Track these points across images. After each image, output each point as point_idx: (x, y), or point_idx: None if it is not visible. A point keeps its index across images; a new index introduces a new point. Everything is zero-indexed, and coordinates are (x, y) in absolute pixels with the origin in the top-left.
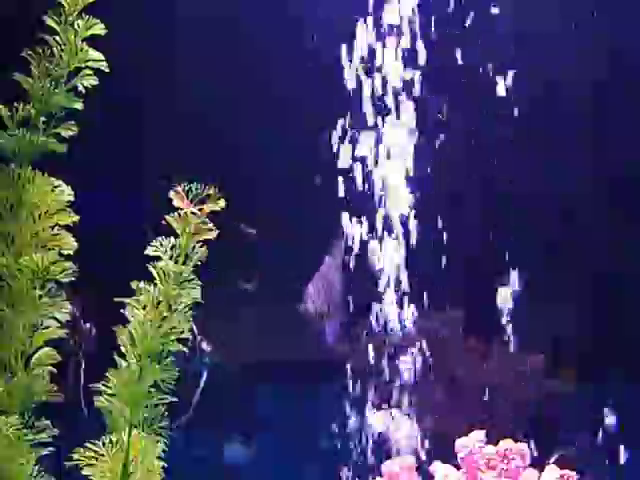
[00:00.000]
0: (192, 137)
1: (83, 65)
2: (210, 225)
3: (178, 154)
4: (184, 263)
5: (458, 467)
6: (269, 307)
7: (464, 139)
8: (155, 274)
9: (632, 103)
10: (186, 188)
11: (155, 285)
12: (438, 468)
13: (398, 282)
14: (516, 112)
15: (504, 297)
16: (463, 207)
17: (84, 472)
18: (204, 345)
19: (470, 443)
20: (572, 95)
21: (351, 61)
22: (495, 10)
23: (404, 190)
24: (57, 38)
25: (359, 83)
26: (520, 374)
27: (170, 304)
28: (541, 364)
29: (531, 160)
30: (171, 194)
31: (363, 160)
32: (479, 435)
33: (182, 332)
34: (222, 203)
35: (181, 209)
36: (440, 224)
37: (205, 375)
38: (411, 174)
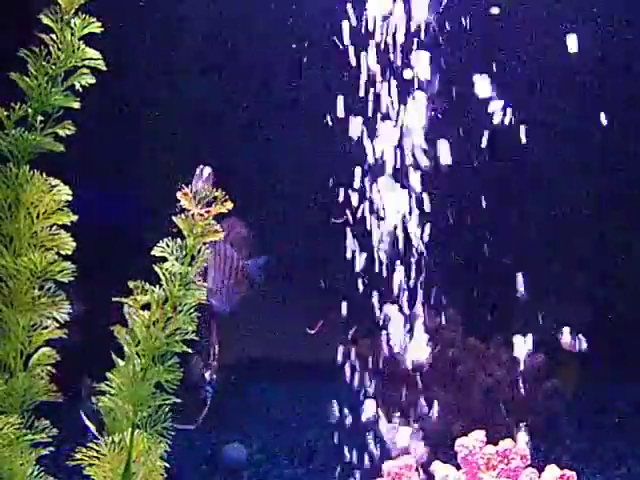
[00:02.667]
0: (190, 136)
1: (80, 64)
2: (217, 227)
3: (177, 153)
4: (190, 264)
5: (458, 467)
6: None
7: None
8: (161, 275)
9: None
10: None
11: (160, 286)
12: (438, 468)
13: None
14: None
15: (504, 296)
16: (463, 207)
17: (86, 472)
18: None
19: (470, 443)
20: None
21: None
22: (495, 10)
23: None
24: (54, 37)
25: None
26: (520, 374)
27: (175, 305)
28: (541, 364)
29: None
30: (178, 195)
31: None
32: (479, 435)
33: (186, 333)
34: (229, 205)
35: (188, 210)
36: (440, 223)
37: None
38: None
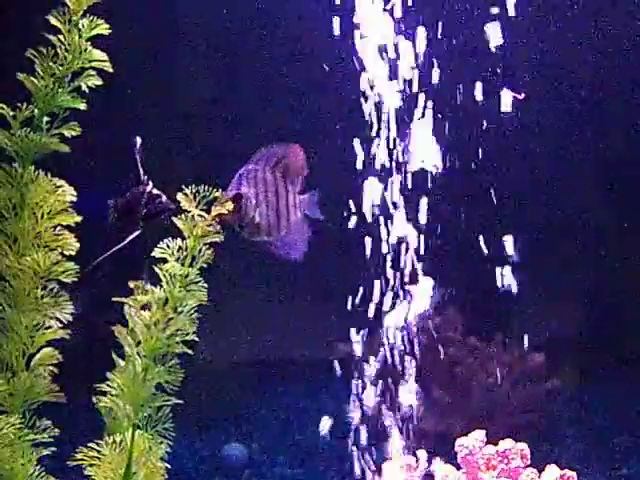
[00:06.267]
0: (187, 136)
1: (87, 65)
2: (217, 227)
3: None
4: (190, 265)
5: (458, 467)
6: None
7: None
8: (161, 276)
9: None
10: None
11: (161, 286)
12: (438, 468)
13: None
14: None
15: (505, 296)
16: (464, 207)
17: (87, 472)
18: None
19: (470, 443)
20: None
21: None
22: (495, 10)
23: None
24: (61, 38)
25: None
26: (521, 374)
27: (176, 306)
28: (542, 364)
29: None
30: (179, 196)
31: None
32: (479, 435)
33: (187, 334)
34: (230, 206)
35: (189, 211)
36: (441, 224)
37: None
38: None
